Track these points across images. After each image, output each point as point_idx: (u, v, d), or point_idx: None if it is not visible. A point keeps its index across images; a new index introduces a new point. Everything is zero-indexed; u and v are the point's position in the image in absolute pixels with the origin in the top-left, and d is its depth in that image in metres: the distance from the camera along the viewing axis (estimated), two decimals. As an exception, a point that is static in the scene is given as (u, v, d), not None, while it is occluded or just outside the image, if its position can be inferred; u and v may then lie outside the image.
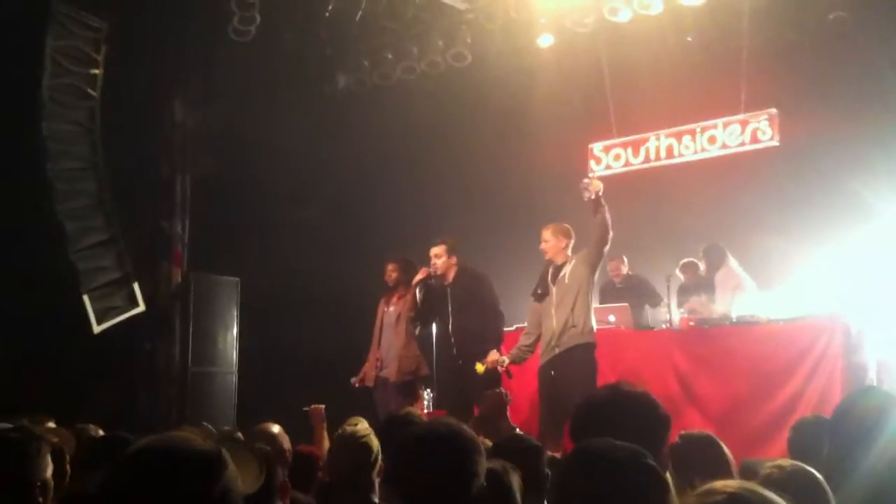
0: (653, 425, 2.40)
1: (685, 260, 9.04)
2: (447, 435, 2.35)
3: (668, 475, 2.09)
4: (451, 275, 7.41)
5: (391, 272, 7.79)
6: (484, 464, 2.36)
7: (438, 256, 7.40)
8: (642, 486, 1.88)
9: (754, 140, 8.79)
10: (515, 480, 2.90)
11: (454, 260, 7.41)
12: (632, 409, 2.42)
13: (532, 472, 3.22)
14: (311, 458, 4.08)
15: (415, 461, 2.37)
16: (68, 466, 3.63)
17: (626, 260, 9.52)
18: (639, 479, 1.89)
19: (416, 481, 2.31)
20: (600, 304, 8.28)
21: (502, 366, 6.92)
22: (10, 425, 4.10)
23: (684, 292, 8.83)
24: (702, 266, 8.84)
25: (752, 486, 1.51)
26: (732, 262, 8.47)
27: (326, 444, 5.00)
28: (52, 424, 4.88)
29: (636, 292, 9.21)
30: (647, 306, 9.16)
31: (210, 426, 4.37)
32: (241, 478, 1.68)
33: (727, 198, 9.14)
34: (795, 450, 3.77)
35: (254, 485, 2.08)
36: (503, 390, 6.33)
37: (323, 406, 5.59)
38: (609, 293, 9.24)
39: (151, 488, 1.54)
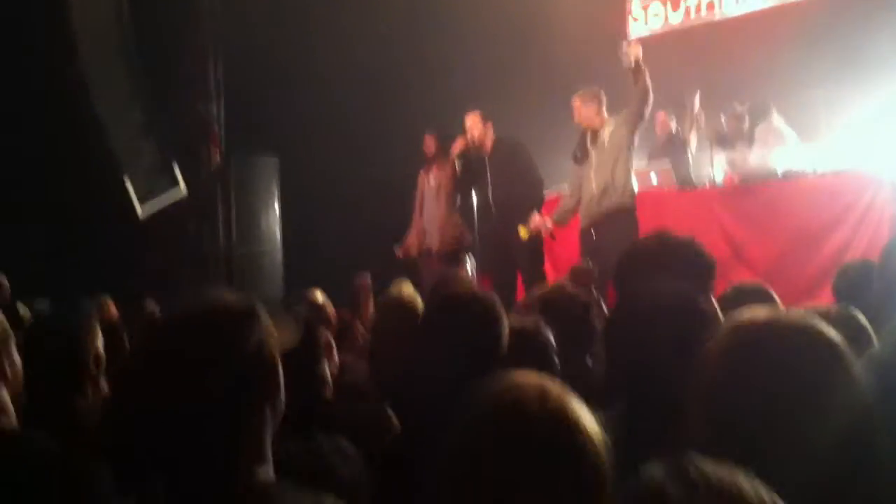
0: (699, 269, 2.38)
1: (732, 110, 8.82)
2: (468, 300, 2.40)
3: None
4: (488, 143, 7.34)
5: (429, 144, 7.77)
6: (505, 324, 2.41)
7: (474, 125, 7.31)
8: (688, 326, 1.87)
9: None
10: (549, 337, 2.90)
11: (489, 127, 7.33)
12: (677, 254, 2.40)
13: (578, 326, 3.23)
14: (353, 322, 4.12)
15: (440, 318, 2.42)
16: (126, 341, 3.72)
17: (674, 116, 9.29)
18: (685, 320, 1.88)
19: (440, 338, 2.35)
20: (646, 163, 8.18)
21: (546, 228, 6.88)
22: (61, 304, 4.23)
23: (722, 142, 8.64)
24: (746, 120, 8.64)
25: (796, 314, 1.50)
26: (776, 117, 8.26)
27: (371, 314, 5.06)
28: (110, 305, 5.01)
29: (682, 147, 9.02)
30: (691, 161, 8.95)
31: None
32: (278, 334, 1.69)
33: (771, 52, 8.84)
34: (842, 293, 3.73)
35: (292, 341, 2.10)
36: (590, 264, 6.23)
37: (368, 274, 5.63)
38: (653, 151, 9.04)
39: (184, 344, 1.55)
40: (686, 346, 1.71)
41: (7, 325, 2.47)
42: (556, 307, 3.26)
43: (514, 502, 1.24)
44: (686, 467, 0.99)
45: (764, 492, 0.97)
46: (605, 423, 1.35)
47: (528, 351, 2.66)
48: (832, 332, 1.47)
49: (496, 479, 1.25)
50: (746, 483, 0.97)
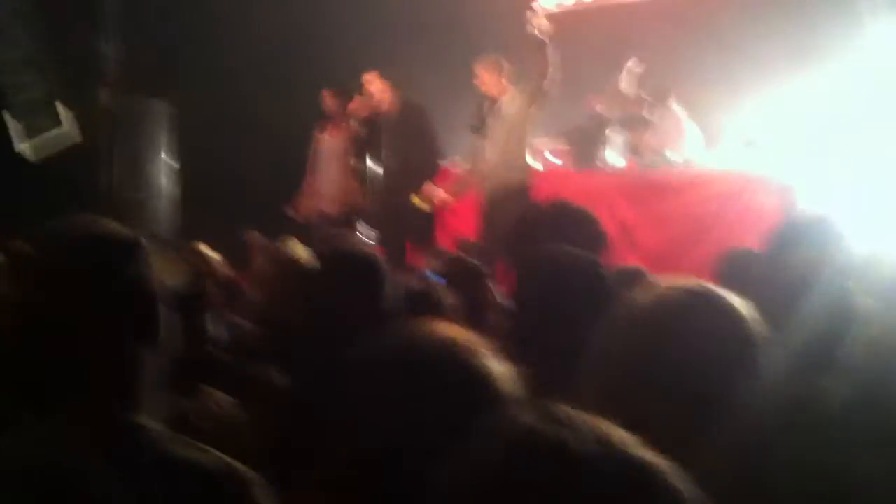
0: (593, 238, 2.37)
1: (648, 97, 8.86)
2: (352, 254, 2.38)
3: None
4: (385, 104, 7.21)
5: (328, 101, 7.60)
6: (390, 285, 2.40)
7: (371, 83, 7.17)
8: (593, 289, 1.85)
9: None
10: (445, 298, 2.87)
11: (389, 89, 7.20)
12: (573, 221, 2.38)
13: (477, 294, 3.20)
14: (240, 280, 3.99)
15: (324, 279, 2.39)
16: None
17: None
18: (590, 282, 1.86)
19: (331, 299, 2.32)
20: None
21: (439, 199, 6.84)
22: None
23: (623, 124, 8.67)
24: (645, 105, 8.72)
25: (706, 283, 1.47)
26: (674, 104, 8.38)
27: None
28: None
29: (597, 128, 9.00)
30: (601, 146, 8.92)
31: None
32: (163, 272, 1.57)
33: (680, 42, 8.93)
34: (724, 279, 3.78)
35: (176, 280, 1.99)
36: (472, 241, 6.20)
37: (257, 233, 5.48)
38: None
39: (56, 262, 1.43)
40: (589, 310, 1.68)
41: None
42: (453, 275, 3.22)
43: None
44: (555, 410, 0.95)
45: (631, 438, 0.94)
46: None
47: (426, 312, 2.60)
48: (739, 303, 1.44)
49: (406, 421, 1.19)
50: (615, 429, 0.94)
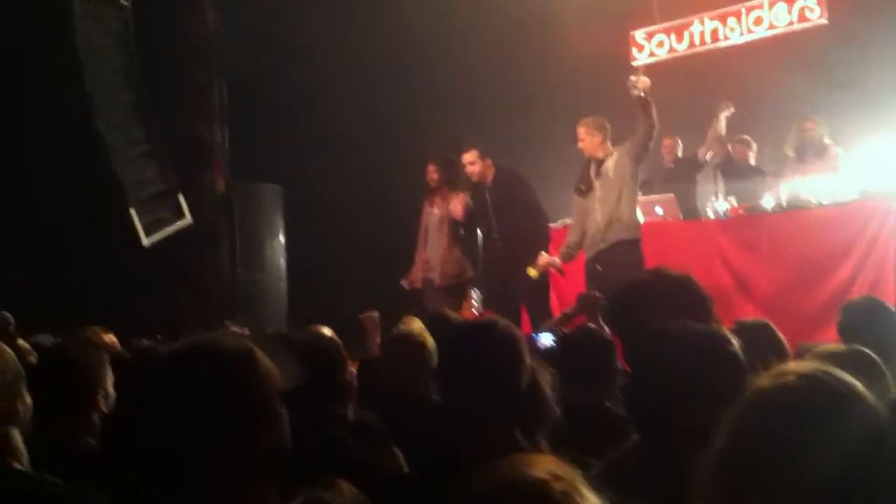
0: (695, 306, 2.37)
1: (739, 137, 8.79)
2: (490, 326, 2.34)
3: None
4: (488, 177, 7.33)
5: (432, 173, 7.74)
6: (527, 358, 2.33)
7: (472, 163, 7.30)
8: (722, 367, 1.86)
9: (802, 19, 8.44)
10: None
11: (489, 162, 7.32)
12: (673, 291, 2.39)
13: (597, 364, 3.20)
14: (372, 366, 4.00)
15: (456, 353, 2.36)
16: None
17: (679, 141, 9.28)
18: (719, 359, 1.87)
19: (459, 373, 2.30)
20: (650, 191, 8.15)
21: (555, 267, 6.87)
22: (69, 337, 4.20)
23: (728, 170, 8.60)
24: (753, 147, 8.64)
25: (824, 366, 1.46)
26: (787, 148, 8.25)
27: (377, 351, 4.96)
28: (111, 336, 4.97)
29: (688, 174, 8.98)
30: (698, 191, 8.89)
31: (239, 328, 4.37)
32: (280, 374, 1.67)
33: (775, 81, 8.85)
34: (846, 332, 3.72)
35: (294, 381, 2.07)
36: (597, 293, 6.20)
37: (376, 313, 5.49)
38: (659, 178, 8.98)
39: (176, 390, 1.54)
40: (715, 391, 1.69)
41: (19, 364, 2.45)
42: (579, 346, 3.23)
43: None
44: None
45: None
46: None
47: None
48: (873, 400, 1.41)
49: None
50: None
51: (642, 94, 6.26)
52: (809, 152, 8.02)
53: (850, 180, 7.56)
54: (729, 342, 1.96)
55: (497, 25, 9.94)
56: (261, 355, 1.61)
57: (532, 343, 4.30)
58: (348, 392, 2.97)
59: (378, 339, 5.02)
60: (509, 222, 7.18)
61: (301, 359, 2.79)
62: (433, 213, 7.73)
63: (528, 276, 6.82)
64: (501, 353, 2.27)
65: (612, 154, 6.62)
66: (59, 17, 8.19)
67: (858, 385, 1.41)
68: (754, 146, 8.71)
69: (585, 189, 6.72)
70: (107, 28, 8.46)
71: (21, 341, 4.39)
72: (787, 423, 1.37)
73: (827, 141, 8.05)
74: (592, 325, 3.65)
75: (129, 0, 8.55)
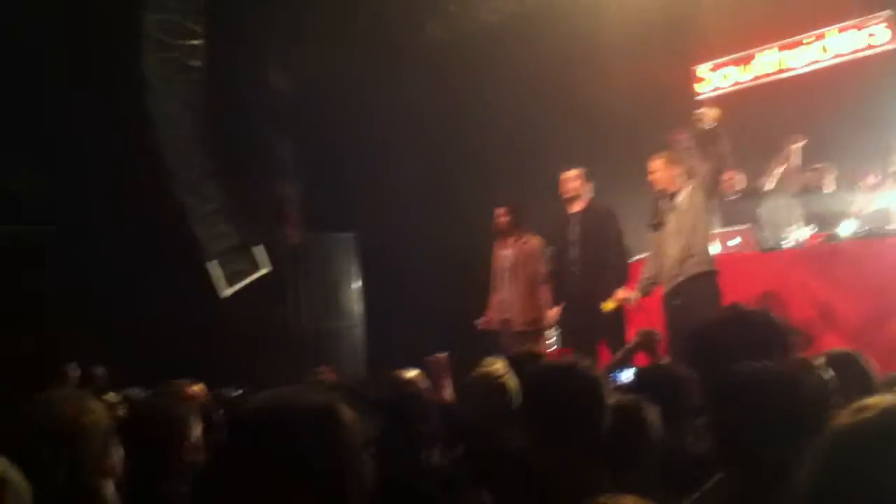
0: (774, 342, 2.35)
1: (812, 167, 8.67)
2: (573, 368, 2.35)
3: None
4: (580, 204, 7.34)
5: (501, 217, 7.79)
6: (608, 398, 2.33)
7: (574, 179, 7.31)
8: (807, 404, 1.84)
9: (869, 45, 8.33)
10: (651, 414, 2.83)
11: (589, 188, 7.34)
12: (751, 328, 2.37)
13: (675, 402, 3.17)
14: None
15: (540, 395, 2.36)
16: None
17: (740, 173, 9.14)
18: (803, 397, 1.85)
19: (543, 415, 2.30)
20: (723, 224, 8.06)
21: (629, 302, 6.83)
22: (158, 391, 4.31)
23: (806, 203, 8.44)
24: (829, 175, 8.49)
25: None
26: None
27: (449, 394, 4.97)
28: (200, 387, 5.09)
29: (750, 206, 8.82)
30: (765, 219, 8.70)
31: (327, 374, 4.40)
32: (360, 425, 1.71)
33: (844, 108, 8.72)
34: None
35: (376, 429, 2.11)
36: (654, 329, 6.16)
37: (445, 354, 5.52)
38: (720, 211, 8.83)
39: (261, 447, 1.58)
40: (800, 429, 1.68)
41: (108, 418, 2.53)
42: (652, 383, 3.20)
43: None
44: None
45: None
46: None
47: (629, 428, 2.60)
48: None
49: None
50: None
51: (713, 125, 6.22)
52: None
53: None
54: (814, 378, 1.95)
55: (556, 71, 9.98)
56: (343, 408, 1.66)
57: (612, 381, 4.27)
58: (433, 438, 2.98)
59: (446, 383, 5.03)
60: (593, 257, 7.17)
61: (383, 406, 2.82)
62: (505, 255, 7.76)
63: (604, 312, 6.79)
64: (583, 395, 2.28)
65: (685, 187, 6.58)
66: (134, 81, 8.47)
67: None
68: (830, 173, 8.56)
69: (659, 223, 6.68)
70: (178, 89, 8.73)
71: (112, 394, 4.53)
72: (868, 460, 1.35)
73: None
74: (668, 362, 3.60)
75: (200, 62, 8.81)
